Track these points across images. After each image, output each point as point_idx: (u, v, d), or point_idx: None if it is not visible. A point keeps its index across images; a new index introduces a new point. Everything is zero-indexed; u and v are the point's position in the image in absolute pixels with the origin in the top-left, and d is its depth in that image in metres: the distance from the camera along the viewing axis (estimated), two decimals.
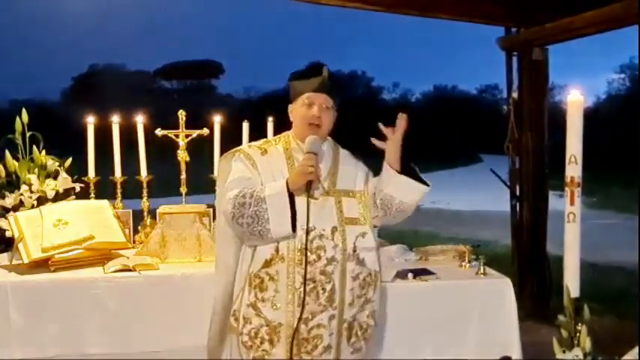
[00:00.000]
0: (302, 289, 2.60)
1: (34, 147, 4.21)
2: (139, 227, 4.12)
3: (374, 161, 2.84)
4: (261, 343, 2.68)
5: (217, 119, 4.16)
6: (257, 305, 2.69)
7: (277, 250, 2.66)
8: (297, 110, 2.79)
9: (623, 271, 8.01)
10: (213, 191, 3.07)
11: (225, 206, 2.66)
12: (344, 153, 2.90)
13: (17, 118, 4.24)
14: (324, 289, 2.66)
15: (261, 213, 2.57)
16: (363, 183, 2.84)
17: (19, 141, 4.22)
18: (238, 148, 2.90)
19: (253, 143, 2.91)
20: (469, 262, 3.68)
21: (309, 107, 2.74)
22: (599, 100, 35.37)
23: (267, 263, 2.68)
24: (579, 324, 1.92)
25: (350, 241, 2.71)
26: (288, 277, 2.65)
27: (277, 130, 3.63)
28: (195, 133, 4.05)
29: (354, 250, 2.72)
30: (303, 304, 2.61)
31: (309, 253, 2.62)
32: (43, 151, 4.23)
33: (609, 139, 22.68)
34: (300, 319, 2.62)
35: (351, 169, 2.84)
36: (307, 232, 2.60)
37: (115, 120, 4.13)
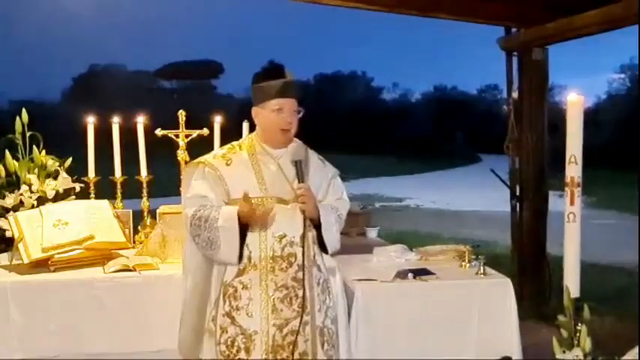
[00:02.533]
0: (275, 296, 2.68)
1: (34, 147, 4.22)
2: (139, 227, 4.12)
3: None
4: (237, 352, 2.70)
5: (217, 119, 4.17)
6: (232, 314, 2.72)
7: (250, 259, 2.71)
8: (266, 116, 2.77)
9: (623, 271, 8.00)
10: None
11: (184, 221, 2.76)
12: (314, 158, 2.91)
13: (17, 118, 4.24)
14: (296, 296, 2.70)
15: (214, 240, 2.67)
16: (323, 193, 2.88)
17: (19, 141, 4.22)
18: (203, 158, 2.85)
19: (218, 152, 2.90)
20: (469, 262, 3.69)
21: (279, 112, 2.73)
22: (599, 100, 35.29)
23: (240, 272, 2.72)
24: (579, 324, 1.92)
25: (311, 247, 2.78)
26: (260, 285, 2.70)
27: None
28: (195, 133, 4.06)
29: (314, 256, 2.80)
30: (303, 308, 2.67)
31: (280, 260, 2.71)
32: (43, 151, 4.23)
33: (609, 139, 22.67)
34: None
35: (317, 179, 2.85)
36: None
37: (115, 120, 4.13)
